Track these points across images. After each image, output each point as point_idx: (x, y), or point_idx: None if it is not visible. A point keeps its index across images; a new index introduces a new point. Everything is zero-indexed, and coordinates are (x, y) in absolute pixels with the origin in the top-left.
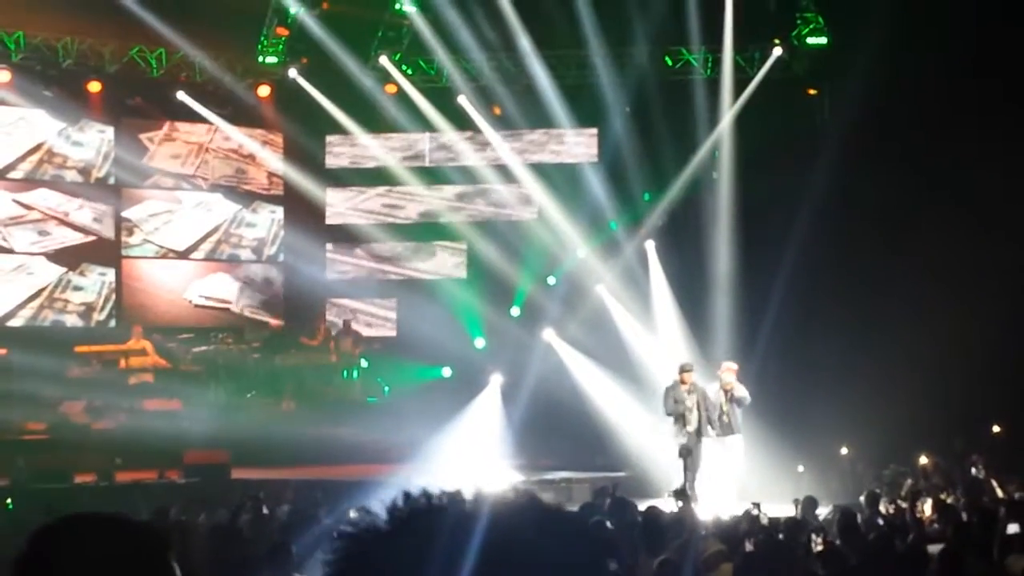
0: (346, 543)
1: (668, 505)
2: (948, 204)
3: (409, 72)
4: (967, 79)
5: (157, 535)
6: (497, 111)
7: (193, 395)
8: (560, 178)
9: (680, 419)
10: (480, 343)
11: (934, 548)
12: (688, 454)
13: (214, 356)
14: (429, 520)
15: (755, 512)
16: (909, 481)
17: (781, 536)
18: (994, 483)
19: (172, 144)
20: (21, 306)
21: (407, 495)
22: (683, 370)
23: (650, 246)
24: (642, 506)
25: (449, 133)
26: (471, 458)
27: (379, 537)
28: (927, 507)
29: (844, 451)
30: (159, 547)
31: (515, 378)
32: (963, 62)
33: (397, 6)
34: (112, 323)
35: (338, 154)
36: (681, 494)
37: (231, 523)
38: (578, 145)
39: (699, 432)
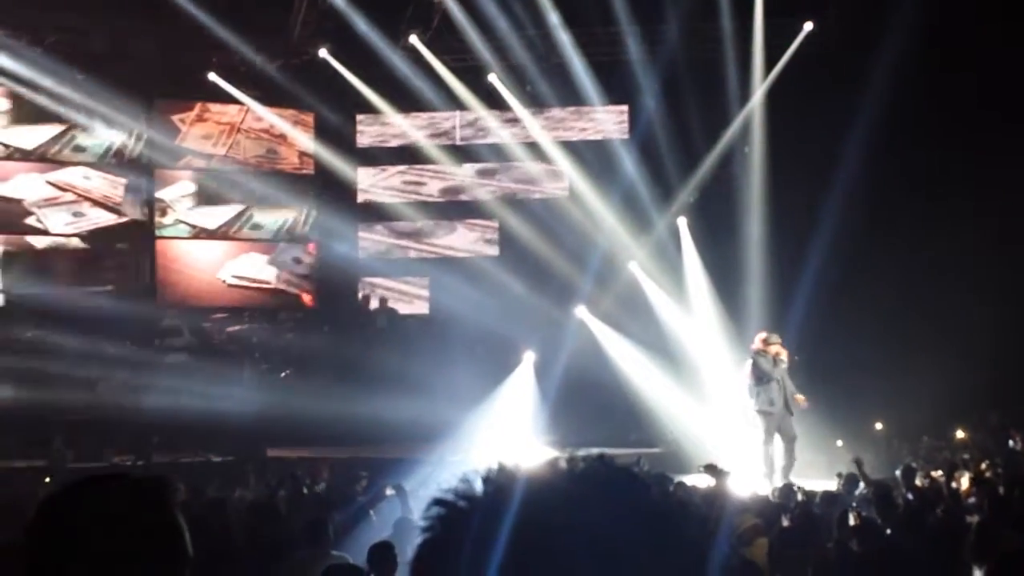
0: (443, 509)
1: (701, 480)
2: (984, 176)
3: (439, 51)
4: (1000, 52)
5: (157, 485)
6: (527, 89)
7: (228, 374)
8: (591, 155)
9: (769, 389)
10: (513, 320)
11: (970, 521)
12: (774, 427)
13: (248, 335)
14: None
15: (792, 487)
16: (946, 455)
17: (817, 511)
18: None
19: (204, 125)
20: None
21: (501, 464)
22: (769, 341)
23: (682, 222)
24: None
25: (479, 111)
26: (506, 435)
27: (476, 504)
28: (964, 480)
29: (879, 426)
30: (161, 497)
31: (548, 355)
32: (996, 35)
33: None
34: None
35: (369, 133)
36: (714, 469)
37: (268, 501)
38: (609, 122)
39: (787, 405)
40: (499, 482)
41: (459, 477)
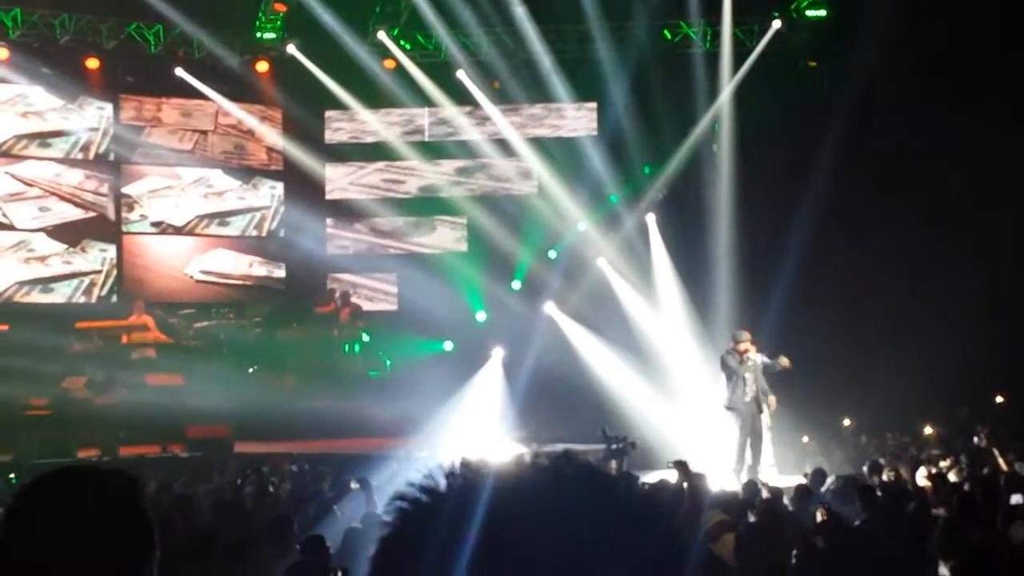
0: (406, 503)
1: (670, 476)
2: (950, 173)
3: (407, 47)
4: (967, 49)
5: (128, 479)
6: (496, 85)
7: (195, 370)
8: (560, 152)
9: (736, 386)
10: (481, 316)
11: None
12: (746, 424)
13: (215, 331)
14: (487, 484)
15: (756, 483)
16: (912, 451)
17: (783, 507)
18: (996, 453)
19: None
20: (22, 282)
21: (465, 460)
22: (736, 339)
23: (651, 219)
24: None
25: (448, 108)
26: (473, 431)
27: (440, 499)
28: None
29: (847, 422)
30: (131, 490)
31: (517, 351)
32: (964, 32)
33: None
34: (113, 299)
35: (337, 129)
36: (682, 465)
37: (234, 497)
38: (578, 119)
39: (757, 402)
40: (463, 477)
41: (423, 472)
